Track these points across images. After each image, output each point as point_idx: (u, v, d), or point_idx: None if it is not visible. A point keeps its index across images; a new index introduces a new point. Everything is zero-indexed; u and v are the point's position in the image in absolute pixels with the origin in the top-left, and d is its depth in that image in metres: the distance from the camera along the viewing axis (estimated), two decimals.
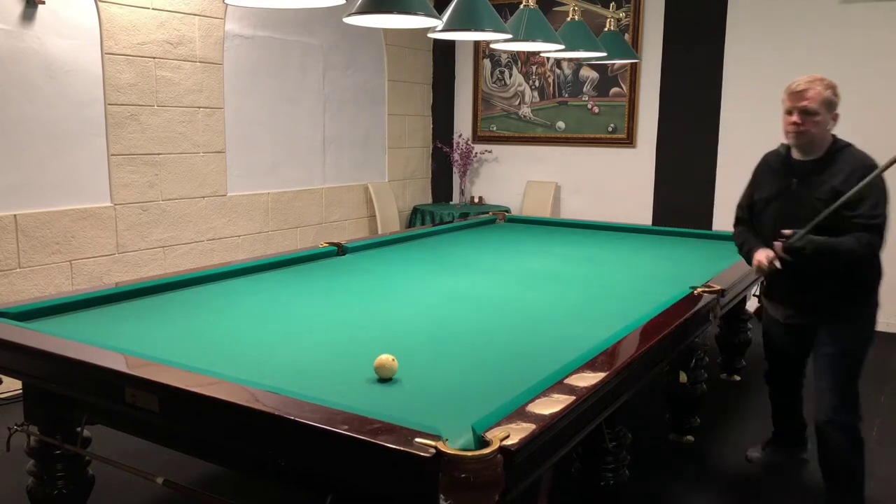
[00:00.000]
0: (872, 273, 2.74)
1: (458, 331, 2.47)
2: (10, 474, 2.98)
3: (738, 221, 3.00)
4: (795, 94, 2.63)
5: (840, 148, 2.68)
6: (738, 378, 4.36)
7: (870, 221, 2.56)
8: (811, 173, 2.68)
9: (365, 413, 1.58)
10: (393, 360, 1.97)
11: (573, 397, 1.74)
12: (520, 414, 1.61)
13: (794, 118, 2.63)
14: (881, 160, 2.59)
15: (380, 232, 6.12)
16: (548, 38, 3.52)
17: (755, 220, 2.90)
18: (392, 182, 6.58)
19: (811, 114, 2.60)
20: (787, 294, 2.88)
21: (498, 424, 1.54)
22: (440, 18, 2.85)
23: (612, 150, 6.43)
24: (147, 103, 4.44)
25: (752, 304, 4.04)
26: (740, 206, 3.00)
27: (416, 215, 6.74)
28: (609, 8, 4.68)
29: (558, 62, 6.57)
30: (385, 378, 1.96)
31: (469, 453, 1.40)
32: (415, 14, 2.55)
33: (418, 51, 6.73)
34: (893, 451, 3.46)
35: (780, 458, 3.26)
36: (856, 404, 2.79)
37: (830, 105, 2.62)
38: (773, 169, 2.84)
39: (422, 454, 1.40)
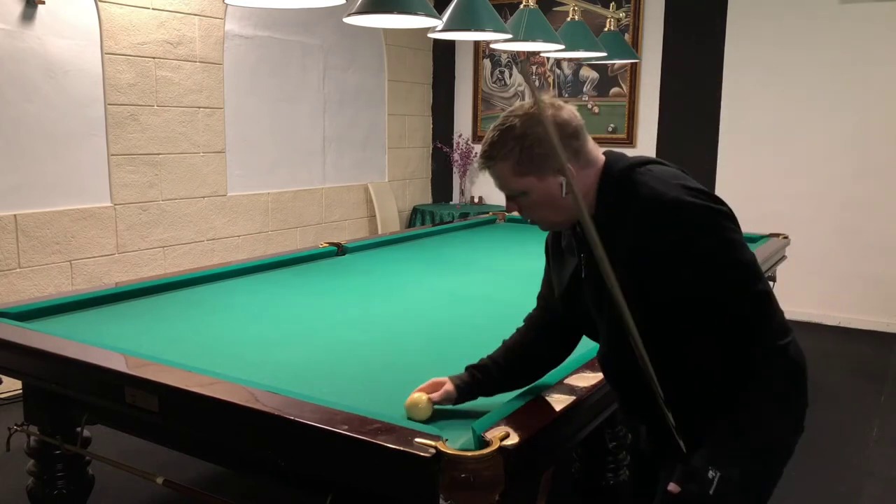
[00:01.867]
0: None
1: (458, 331, 2.47)
2: (10, 474, 2.98)
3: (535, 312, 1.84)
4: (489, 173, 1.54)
5: (618, 177, 1.49)
6: None
7: (745, 305, 1.39)
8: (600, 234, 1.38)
9: (365, 413, 1.57)
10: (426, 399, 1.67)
11: (573, 397, 1.74)
12: (520, 414, 1.61)
13: (508, 207, 1.58)
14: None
15: (380, 232, 6.12)
16: (548, 38, 3.52)
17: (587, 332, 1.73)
18: (392, 182, 6.58)
19: (517, 195, 1.51)
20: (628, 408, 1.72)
21: (498, 424, 1.54)
22: (440, 18, 2.85)
23: (613, 149, 6.42)
24: (147, 103, 4.44)
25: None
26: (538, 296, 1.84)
27: (416, 215, 6.74)
28: (609, 8, 4.68)
29: (558, 62, 6.57)
30: (418, 416, 1.65)
31: (469, 453, 1.40)
32: (415, 14, 2.55)
33: (418, 51, 6.73)
34: (893, 451, 3.46)
35: None
36: None
37: (532, 164, 1.46)
38: (559, 247, 1.67)
39: (422, 454, 1.40)
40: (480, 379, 1.72)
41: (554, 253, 1.68)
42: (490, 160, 1.50)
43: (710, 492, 1.34)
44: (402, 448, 1.42)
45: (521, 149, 1.46)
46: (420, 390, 1.69)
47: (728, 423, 1.40)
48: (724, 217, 1.42)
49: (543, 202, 1.50)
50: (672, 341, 1.45)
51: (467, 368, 1.75)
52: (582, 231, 1.48)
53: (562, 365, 1.94)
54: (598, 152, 1.55)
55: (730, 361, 1.41)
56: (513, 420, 1.57)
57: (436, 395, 1.68)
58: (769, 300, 1.42)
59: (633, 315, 1.35)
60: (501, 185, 1.52)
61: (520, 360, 1.76)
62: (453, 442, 1.45)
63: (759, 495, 1.53)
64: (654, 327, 1.41)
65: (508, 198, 1.54)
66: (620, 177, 1.49)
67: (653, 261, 1.40)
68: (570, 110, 1.50)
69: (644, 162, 1.51)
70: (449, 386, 1.70)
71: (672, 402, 1.44)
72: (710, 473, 1.35)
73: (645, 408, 1.52)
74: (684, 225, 1.39)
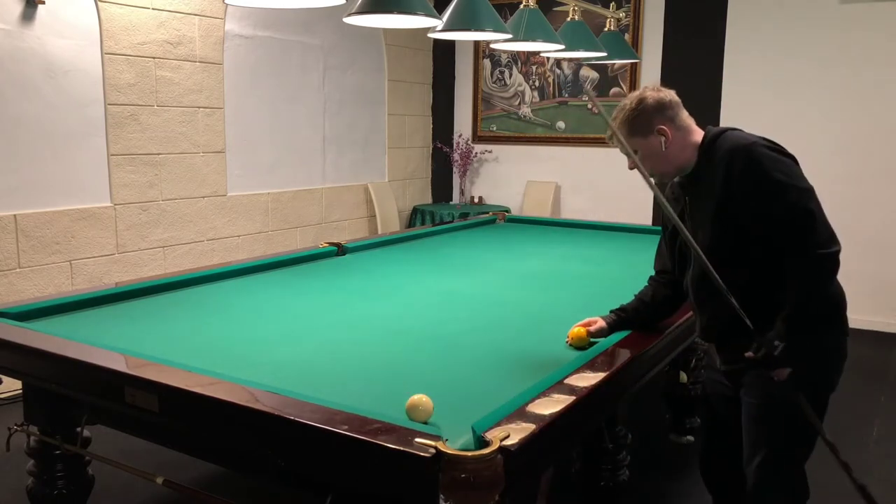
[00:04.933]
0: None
1: (457, 331, 2.47)
2: (10, 474, 2.98)
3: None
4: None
5: (712, 139, 2.04)
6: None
7: (796, 220, 1.88)
8: (695, 185, 2.07)
9: (365, 413, 1.58)
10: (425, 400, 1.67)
11: (573, 397, 1.74)
12: (520, 414, 1.61)
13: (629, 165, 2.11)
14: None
15: (380, 232, 6.12)
16: (548, 38, 3.52)
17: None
18: (392, 182, 6.58)
19: (630, 155, 2.06)
20: (707, 326, 2.15)
21: (498, 424, 1.54)
22: (440, 18, 2.85)
23: (612, 150, 6.41)
24: (147, 103, 4.44)
25: None
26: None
27: (416, 215, 6.74)
28: (609, 8, 4.68)
29: (558, 62, 6.57)
30: (419, 417, 1.63)
31: (469, 453, 1.40)
32: (415, 14, 2.55)
33: (418, 51, 6.73)
34: (893, 451, 3.46)
35: None
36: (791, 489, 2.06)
37: (640, 128, 2.04)
38: (668, 197, 2.18)
39: (422, 454, 1.40)
40: (624, 318, 2.28)
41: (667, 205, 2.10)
42: (616, 123, 2.08)
43: (776, 354, 1.85)
44: (402, 448, 1.42)
45: (635, 114, 2.05)
46: (579, 326, 2.23)
47: (779, 327, 1.87)
48: (789, 158, 1.93)
49: (650, 157, 2.06)
50: (743, 260, 1.95)
51: (612, 311, 2.31)
52: (684, 180, 2.10)
53: (561, 365, 1.94)
54: (695, 125, 2.12)
55: (785, 268, 1.88)
56: (513, 420, 1.57)
57: (592, 328, 2.23)
58: (815, 217, 1.88)
59: (720, 243, 1.96)
60: (620, 148, 2.07)
61: (646, 307, 2.31)
62: (453, 442, 1.45)
63: (817, 388, 2.02)
64: (731, 249, 1.95)
65: (628, 156, 2.07)
66: (718, 131, 2.05)
67: (735, 191, 1.91)
68: (663, 94, 2.10)
69: (732, 129, 2.05)
70: (601, 323, 2.26)
71: (744, 309, 1.89)
72: (777, 343, 1.86)
73: (720, 321, 2.04)
74: (756, 162, 1.89)
